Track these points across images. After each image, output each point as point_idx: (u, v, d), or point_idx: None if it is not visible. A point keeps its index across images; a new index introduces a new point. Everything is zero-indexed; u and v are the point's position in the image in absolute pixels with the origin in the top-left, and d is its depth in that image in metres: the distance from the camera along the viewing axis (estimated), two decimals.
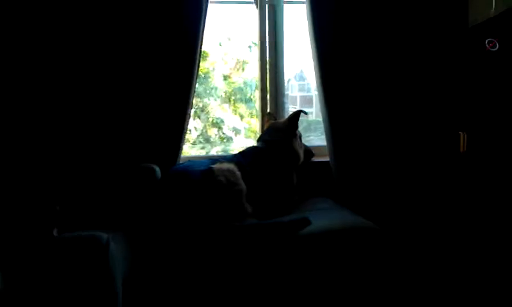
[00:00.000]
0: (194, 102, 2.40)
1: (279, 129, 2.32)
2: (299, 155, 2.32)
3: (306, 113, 2.41)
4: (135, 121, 2.27)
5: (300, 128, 2.43)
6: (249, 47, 2.93)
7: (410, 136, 2.43)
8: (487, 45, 2.12)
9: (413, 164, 2.43)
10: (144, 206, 1.92)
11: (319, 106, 2.50)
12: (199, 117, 2.96)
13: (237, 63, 2.98)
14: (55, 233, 1.54)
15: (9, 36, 2.18)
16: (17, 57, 2.20)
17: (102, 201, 1.96)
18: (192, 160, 2.14)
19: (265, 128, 2.44)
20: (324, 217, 1.89)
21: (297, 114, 2.34)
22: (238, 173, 1.91)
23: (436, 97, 2.44)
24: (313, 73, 2.44)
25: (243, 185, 1.89)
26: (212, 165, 1.89)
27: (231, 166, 1.92)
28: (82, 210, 1.94)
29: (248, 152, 2.21)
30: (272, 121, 2.44)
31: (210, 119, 2.96)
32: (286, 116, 2.51)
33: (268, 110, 2.62)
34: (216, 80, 2.96)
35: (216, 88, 2.96)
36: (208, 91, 2.95)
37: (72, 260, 1.36)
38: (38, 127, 2.22)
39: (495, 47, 2.09)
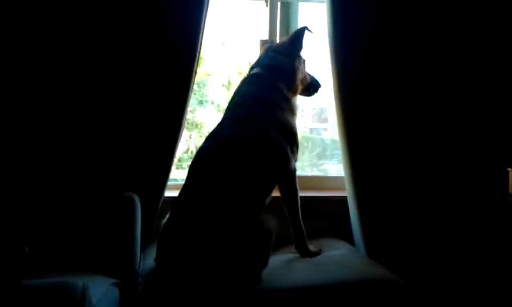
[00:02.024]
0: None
1: (279, 50, 1.93)
2: (297, 86, 1.93)
3: (311, 31, 1.97)
4: (114, 144, 1.95)
5: (313, 153, 2.15)
6: None
7: (449, 174, 2.15)
8: None
9: (452, 207, 2.14)
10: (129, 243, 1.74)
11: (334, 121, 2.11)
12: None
13: (238, 72, 2.60)
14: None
15: None
16: None
17: (83, 237, 1.77)
18: None
19: (260, 53, 2.01)
20: (339, 265, 1.72)
21: (301, 30, 1.94)
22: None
23: (480, 127, 2.16)
24: (331, 83, 2.06)
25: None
26: None
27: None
28: (59, 249, 1.74)
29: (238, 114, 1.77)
30: (269, 44, 2.01)
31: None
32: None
33: None
34: (213, 91, 2.62)
35: (213, 102, 2.61)
36: (203, 103, 2.60)
37: None
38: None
39: None
